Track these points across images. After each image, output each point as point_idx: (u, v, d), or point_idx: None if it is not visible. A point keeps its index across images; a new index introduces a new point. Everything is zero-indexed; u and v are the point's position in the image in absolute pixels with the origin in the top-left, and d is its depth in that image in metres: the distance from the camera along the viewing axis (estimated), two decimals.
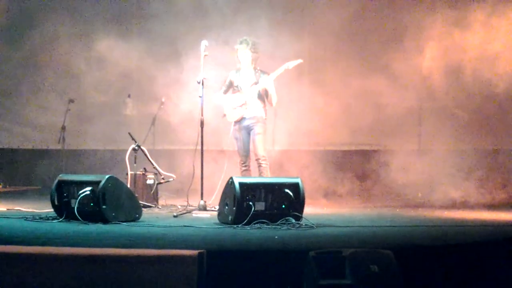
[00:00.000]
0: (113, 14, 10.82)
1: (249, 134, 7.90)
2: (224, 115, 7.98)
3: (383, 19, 10.34)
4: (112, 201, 6.13)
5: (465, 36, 8.96)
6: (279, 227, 5.84)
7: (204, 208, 7.24)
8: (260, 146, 7.79)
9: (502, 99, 9.30)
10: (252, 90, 7.84)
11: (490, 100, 9.43)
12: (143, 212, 6.58)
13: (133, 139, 8.08)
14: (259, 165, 7.77)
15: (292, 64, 7.78)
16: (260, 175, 7.72)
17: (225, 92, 8.02)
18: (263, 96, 7.88)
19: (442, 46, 9.15)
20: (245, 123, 7.86)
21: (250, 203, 5.95)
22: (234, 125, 7.91)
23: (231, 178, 6.12)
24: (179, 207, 7.65)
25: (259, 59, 7.98)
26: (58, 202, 6.28)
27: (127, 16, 10.96)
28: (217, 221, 6.34)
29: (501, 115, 9.87)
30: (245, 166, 7.92)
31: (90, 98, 10.96)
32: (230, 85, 7.99)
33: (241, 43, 7.84)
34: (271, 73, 7.78)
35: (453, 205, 8.36)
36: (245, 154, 7.94)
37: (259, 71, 7.90)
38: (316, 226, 5.87)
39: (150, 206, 7.74)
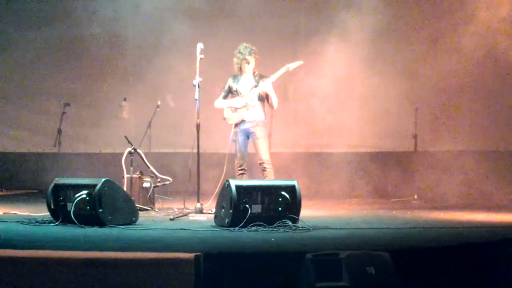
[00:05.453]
0: (110, 16, 10.81)
1: (247, 137, 7.84)
2: (225, 118, 7.91)
3: (383, 26, 10.36)
4: (109, 205, 6.12)
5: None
6: (276, 229, 5.83)
7: (200, 211, 7.23)
8: (263, 149, 7.69)
9: None
10: (252, 93, 7.76)
11: None
12: (139, 215, 6.57)
13: (129, 142, 8.06)
14: (264, 169, 7.67)
15: (293, 66, 7.69)
16: (264, 179, 7.63)
17: (225, 97, 7.94)
18: (264, 99, 7.79)
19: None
20: (245, 126, 7.79)
21: (247, 205, 5.94)
22: (234, 127, 7.84)
23: (228, 180, 6.11)
24: (176, 210, 7.63)
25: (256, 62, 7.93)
26: (54, 205, 6.27)
27: (123, 19, 10.94)
28: (214, 224, 6.32)
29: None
30: (241, 169, 7.83)
31: (86, 101, 10.96)
32: (229, 90, 7.92)
33: (249, 54, 7.70)
34: (271, 75, 7.69)
35: (453, 207, 8.36)
36: (242, 157, 7.86)
37: (258, 75, 7.81)
38: (313, 229, 5.87)
39: (146, 209, 7.72)
